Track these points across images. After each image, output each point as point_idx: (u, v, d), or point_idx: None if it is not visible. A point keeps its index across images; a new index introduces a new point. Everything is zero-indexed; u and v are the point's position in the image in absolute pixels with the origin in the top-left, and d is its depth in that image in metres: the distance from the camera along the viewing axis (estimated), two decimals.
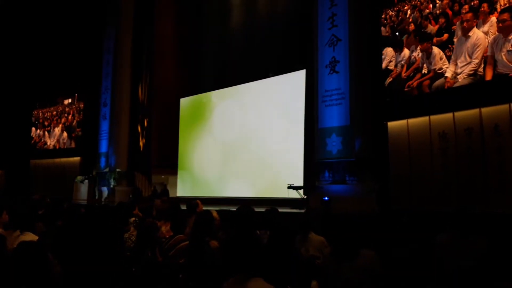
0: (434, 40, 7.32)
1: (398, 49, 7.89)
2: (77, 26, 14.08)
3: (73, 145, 14.70)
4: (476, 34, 6.67)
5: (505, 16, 6.34)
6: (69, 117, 15.08)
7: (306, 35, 8.89)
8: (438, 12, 7.33)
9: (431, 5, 7.46)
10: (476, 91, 6.65)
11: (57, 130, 15.51)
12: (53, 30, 14.74)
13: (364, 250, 2.14)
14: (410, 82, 7.57)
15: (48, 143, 15.74)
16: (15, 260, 2.11)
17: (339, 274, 2.21)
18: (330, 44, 7.94)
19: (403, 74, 7.72)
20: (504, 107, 6.35)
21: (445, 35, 7.17)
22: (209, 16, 13.56)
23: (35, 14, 15.06)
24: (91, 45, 13.63)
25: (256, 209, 4.02)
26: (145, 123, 12.63)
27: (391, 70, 7.94)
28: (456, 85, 6.89)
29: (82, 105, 14.72)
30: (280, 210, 4.13)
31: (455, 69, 6.91)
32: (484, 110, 6.62)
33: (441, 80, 7.10)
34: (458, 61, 6.88)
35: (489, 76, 6.47)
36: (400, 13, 7.96)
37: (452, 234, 3.32)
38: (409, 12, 7.82)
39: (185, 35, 13.92)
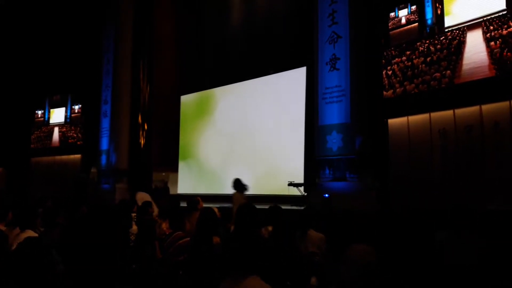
0: None
1: None
2: (75, 25, 14.08)
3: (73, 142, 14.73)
4: None
5: None
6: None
7: (307, 32, 8.87)
8: None
9: None
10: (477, 88, 6.65)
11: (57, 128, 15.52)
12: (52, 30, 14.77)
13: (358, 244, 2.15)
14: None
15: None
16: (18, 254, 2.09)
17: (335, 270, 2.22)
18: (331, 41, 7.93)
19: None
20: (505, 104, 6.35)
21: None
22: (209, 13, 13.54)
23: (34, 15, 15.11)
24: (89, 42, 13.62)
25: (257, 206, 4.01)
26: (146, 121, 12.63)
27: None
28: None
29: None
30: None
31: None
32: (485, 107, 6.62)
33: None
34: None
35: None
36: None
37: (451, 231, 3.33)
38: None
39: (185, 33, 13.91)
